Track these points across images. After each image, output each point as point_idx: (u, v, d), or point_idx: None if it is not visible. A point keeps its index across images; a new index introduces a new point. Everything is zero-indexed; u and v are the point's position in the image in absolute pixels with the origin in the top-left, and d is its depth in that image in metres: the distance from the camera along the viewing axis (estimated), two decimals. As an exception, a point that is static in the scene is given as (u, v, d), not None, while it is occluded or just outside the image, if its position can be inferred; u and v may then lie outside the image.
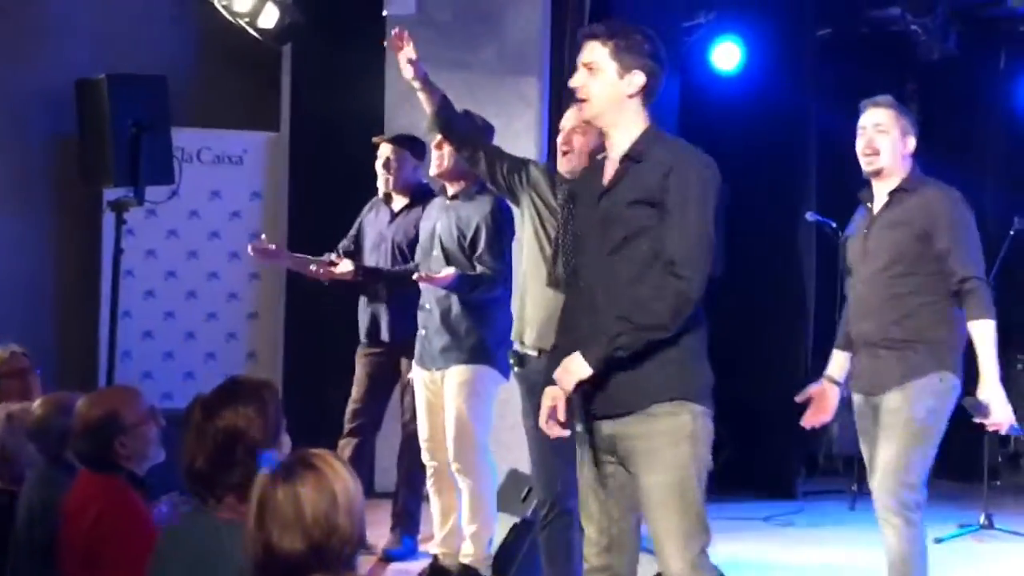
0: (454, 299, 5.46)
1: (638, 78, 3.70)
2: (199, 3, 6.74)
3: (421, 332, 5.58)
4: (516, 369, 4.87)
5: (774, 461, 8.51)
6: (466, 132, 5.14)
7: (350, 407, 6.28)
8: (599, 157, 3.95)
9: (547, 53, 7.87)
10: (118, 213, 6.05)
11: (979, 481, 7.75)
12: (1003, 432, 5.22)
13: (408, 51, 4.85)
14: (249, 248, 6.04)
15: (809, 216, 8.18)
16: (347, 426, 6.25)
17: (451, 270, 5.33)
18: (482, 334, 5.48)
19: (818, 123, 8.54)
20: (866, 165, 4.75)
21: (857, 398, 4.80)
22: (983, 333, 4.54)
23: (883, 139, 4.70)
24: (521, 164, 5.05)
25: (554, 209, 4.79)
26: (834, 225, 8.16)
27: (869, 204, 4.80)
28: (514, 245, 5.52)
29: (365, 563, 5.75)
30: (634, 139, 3.71)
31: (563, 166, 4.80)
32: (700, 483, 3.62)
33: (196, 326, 8.03)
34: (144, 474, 3.64)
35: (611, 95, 3.72)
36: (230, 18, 6.66)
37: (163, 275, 7.97)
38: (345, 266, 5.91)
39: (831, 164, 8.45)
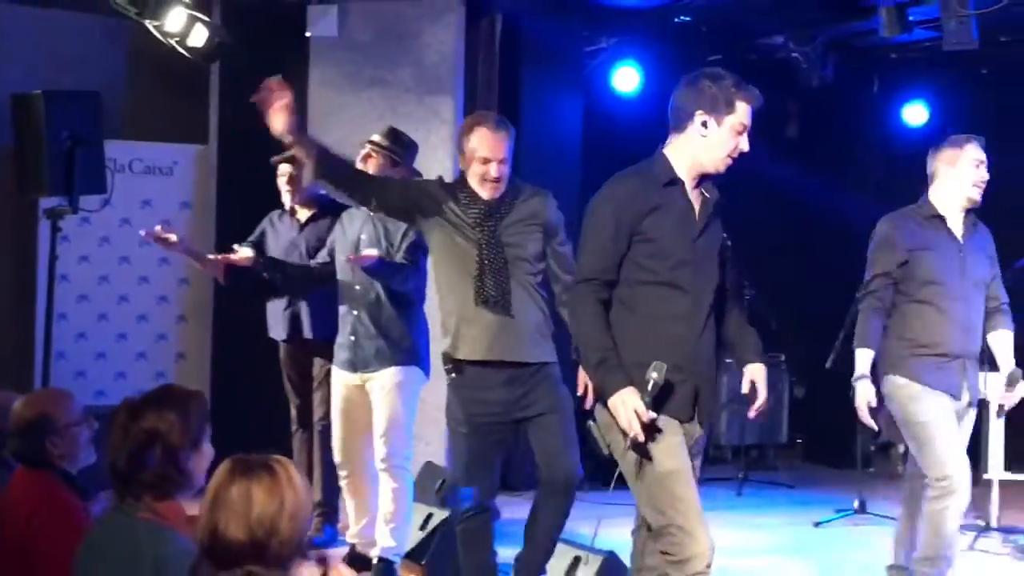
0: (384, 303, 5.35)
1: None
2: (132, 23, 6.62)
3: (351, 338, 5.42)
4: (454, 376, 4.70)
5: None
6: (347, 179, 4.82)
7: (294, 406, 6.30)
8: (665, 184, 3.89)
9: (461, 73, 7.84)
10: (53, 221, 6.04)
11: (853, 468, 7.92)
12: None
13: (279, 106, 4.54)
14: (142, 233, 5.75)
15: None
16: (296, 423, 6.32)
17: (375, 251, 5.22)
18: (413, 337, 5.42)
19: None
20: (977, 195, 5.08)
21: (955, 404, 5.05)
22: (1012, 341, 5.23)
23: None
24: (418, 191, 4.84)
25: (466, 226, 4.65)
26: (724, 234, 8.24)
27: (948, 225, 5.11)
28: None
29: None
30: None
31: (488, 192, 4.66)
32: None
33: (128, 328, 7.90)
34: (77, 472, 3.58)
35: None
36: (161, 38, 6.55)
37: (96, 280, 7.83)
38: (245, 251, 5.78)
39: (722, 181, 8.53)
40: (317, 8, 7.65)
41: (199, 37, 6.60)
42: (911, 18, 7.35)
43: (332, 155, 4.70)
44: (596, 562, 4.83)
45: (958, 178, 5.08)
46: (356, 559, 5.65)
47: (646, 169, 3.90)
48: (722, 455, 8.97)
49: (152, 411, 2.84)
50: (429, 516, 5.60)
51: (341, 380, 5.52)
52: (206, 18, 6.73)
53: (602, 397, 3.69)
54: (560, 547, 4.94)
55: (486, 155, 4.61)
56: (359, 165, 5.22)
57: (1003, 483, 7.37)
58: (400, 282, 5.34)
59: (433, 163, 7.74)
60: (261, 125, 4.53)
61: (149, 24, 6.46)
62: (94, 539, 2.87)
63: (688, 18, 8.01)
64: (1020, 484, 8.50)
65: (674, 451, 3.73)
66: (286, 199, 6.20)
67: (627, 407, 3.59)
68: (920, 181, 7.51)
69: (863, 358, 5.05)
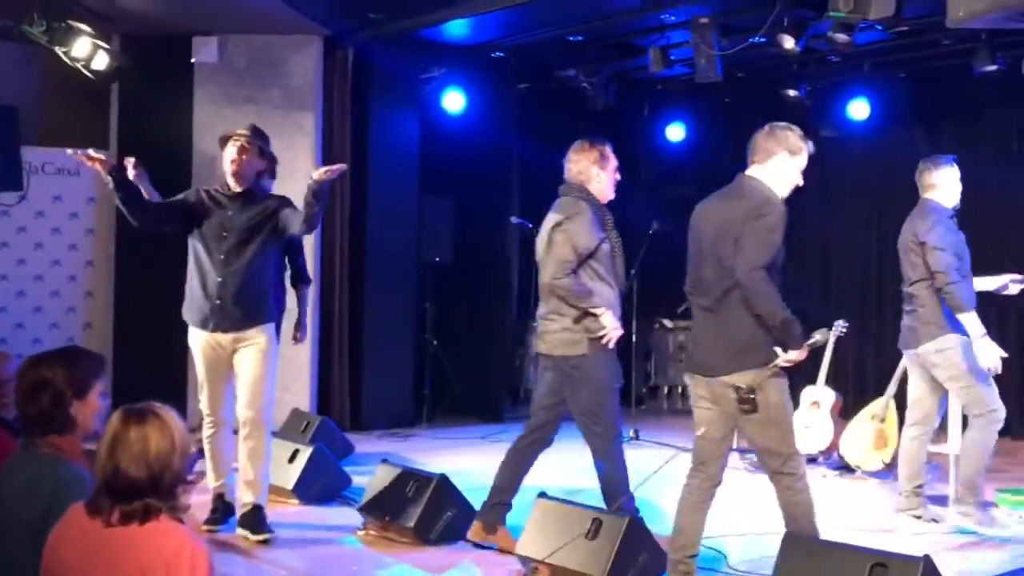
0: (252, 270, 4.81)
1: None
2: (44, 49, 6.51)
3: (216, 302, 4.79)
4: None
5: (488, 394, 8.77)
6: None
7: None
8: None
9: (321, 94, 7.93)
10: (-22, 214, 5.92)
11: (629, 406, 8.23)
12: None
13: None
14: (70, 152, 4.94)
15: (513, 219, 8.51)
16: None
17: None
18: (278, 296, 5.03)
19: (520, 152, 8.87)
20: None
21: None
22: None
23: None
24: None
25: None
26: (530, 225, 8.53)
27: None
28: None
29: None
30: None
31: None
32: None
33: (42, 303, 7.88)
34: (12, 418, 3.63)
35: None
36: (69, 62, 6.47)
37: (15, 262, 7.79)
38: (100, 154, 4.73)
39: (529, 182, 8.81)
40: (200, 39, 7.76)
41: (101, 61, 6.60)
42: (672, 57, 7.70)
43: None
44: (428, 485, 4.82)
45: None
46: (225, 507, 5.03)
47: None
48: (529, 396, 9.04)
49: (46, 363, 2.81)
50: (296, 452, 5.61)
51: (203, 339, 4.90)
52: (107, 46, 6.76)
53: (786, 346, 3.84)
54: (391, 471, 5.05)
55: None
56: (235, 155, 4.88)
57: (646, 408, 7.70)
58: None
59: (297, 170, 7.86)
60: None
61: (59, 50, 6.41)
62: (5, 471, 2.83)
63: (502, 54, 8.28)
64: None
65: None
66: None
67: (803, 352, 3.87)
68: (684, 184, 7.82)
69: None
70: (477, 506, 4.81)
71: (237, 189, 4.89)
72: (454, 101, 8.46)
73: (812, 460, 6.88)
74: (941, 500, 5.75)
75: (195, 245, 4.91)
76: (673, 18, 7.16)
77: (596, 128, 9.71)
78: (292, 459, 5.58)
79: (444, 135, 8.61)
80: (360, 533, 4.98)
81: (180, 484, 2.37)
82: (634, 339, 7.96)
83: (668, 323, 9.74)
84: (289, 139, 7.77)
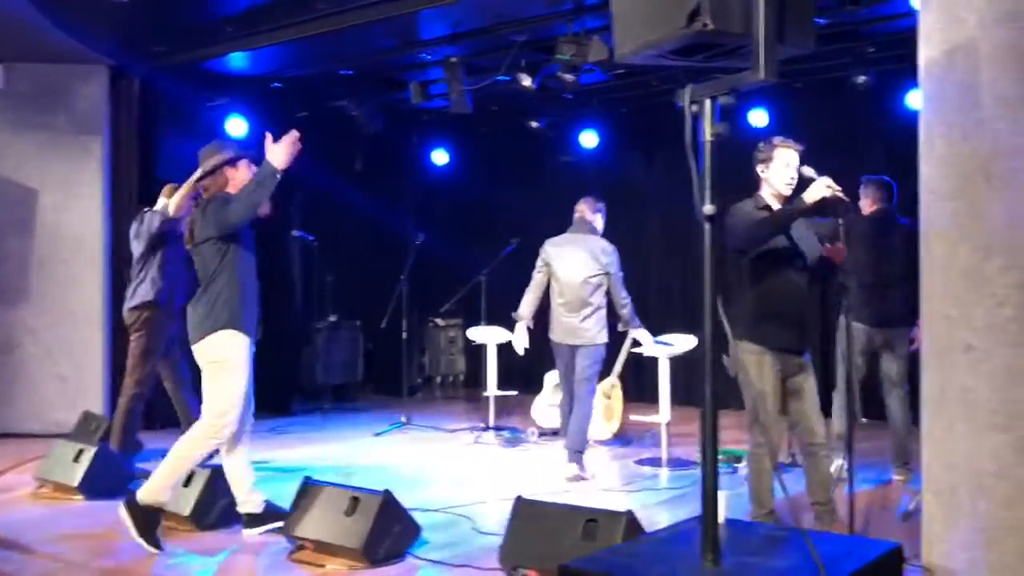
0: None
1: None
2: None
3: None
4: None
5: (277, 391, 8.51)
6: None
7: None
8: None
9: (108, 119, 7.47)
10: None
11: (401, 396, 8.21)
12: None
13: None
14: None
15: (295, 232, 8.33)
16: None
17: None
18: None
19: (301, 172, 8.64)
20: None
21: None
22: None
23: None
24: None
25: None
26: (312, 238, 8.36)
27: None
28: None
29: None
30: None
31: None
32: None
33: None
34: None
35: None
36: None
37: None
38: None
39: (310, 199, 8.67)
40: (-12, 66, 7.09)
41: None
42: (433, 92, 7.74)
43: None
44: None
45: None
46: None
47: None
48: (316, 391, 9.00)
49: None
50: (80, 451, 5.22)
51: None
52: None
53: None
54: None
55: None
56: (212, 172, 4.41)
57: (420, 397, 7.77)
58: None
59: (83, 194, 7.38)
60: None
61: None
62: None
63: (280, 84, 8.04)
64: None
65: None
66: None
67: None
68: (447, 202, 7.84)
69: None
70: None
71: None
72: (237, 127, 8.20)
73: (555, 434, 7.07)
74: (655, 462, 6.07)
75: (243, 252, 4.30)
76: (429, 57, 7.22)
77: (370, 153, 9.83)
78: (77, 458, 5.23)
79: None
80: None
81: None
82: (404, 336, 7.93)
83: (440, 321, 9.79)
84: (76, 163, 7.30)
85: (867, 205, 5.54)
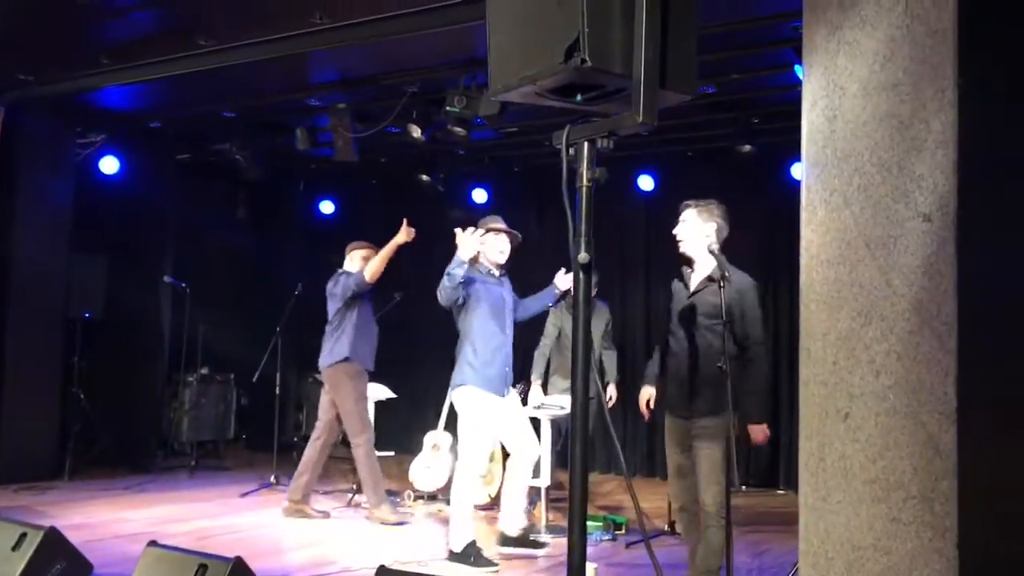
0: None
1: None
2: None
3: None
4: None
5: (137, 446, 8.02)
6: None
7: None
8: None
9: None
10: None
11: (271, 453, 7.68)
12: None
13: None
14: None
15: (166, 279, 7.93)
16: None
17: None
18: None
19: (177, 216, 8.33)
20: None
21: None
22: None
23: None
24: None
25: None
26: (184, 285, 7.95)
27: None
28: None
29: None
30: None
31: None
32: None
33: None
34: None
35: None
36: None
37: None
38: None
39: (185, 244, 8.30)
40: None
41: None
42: (321, 139, 7.52)
43: None
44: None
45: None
46: None
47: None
48: (182, 448, 8.51)
49: None
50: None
51: None
52: None
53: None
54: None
55: None
56: None
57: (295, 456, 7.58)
58: None
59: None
60: None
61: None
62: None
63: (158, 124, 7.69)
64: (387, 458, 8.79)
65: None
66: None
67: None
68: (330, 253, 7.61)
69: None
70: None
71: None
72: (111, 165, 7.83)
73: (432, 497, 6.80)
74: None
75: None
76: (317, 103, 7.02)
77: (254, 199, 9.51)
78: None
79: (101, 197, 7.93)
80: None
81: None
82: (278, 391, 7.53)
83: (320, 376, 9.39)
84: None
85: None
